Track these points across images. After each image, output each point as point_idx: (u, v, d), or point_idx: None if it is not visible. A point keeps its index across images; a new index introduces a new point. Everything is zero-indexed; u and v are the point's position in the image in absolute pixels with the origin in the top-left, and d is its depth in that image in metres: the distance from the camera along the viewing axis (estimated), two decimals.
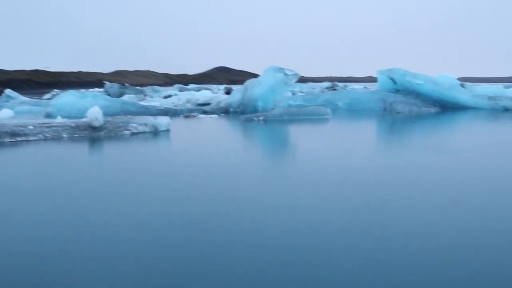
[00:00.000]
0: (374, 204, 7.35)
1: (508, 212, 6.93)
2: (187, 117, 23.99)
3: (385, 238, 5.84)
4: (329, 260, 5.20)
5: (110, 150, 13.67)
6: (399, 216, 6.75)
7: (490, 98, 29.17)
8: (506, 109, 28.21)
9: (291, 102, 29.40)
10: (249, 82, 27.11)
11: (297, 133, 18.15)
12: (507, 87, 40.51)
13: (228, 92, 45.57)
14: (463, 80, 32.29)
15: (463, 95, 29.30)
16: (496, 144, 14.39)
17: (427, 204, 7.34)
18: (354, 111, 28.00)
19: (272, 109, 25.01)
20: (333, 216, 6.75)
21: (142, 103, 28.74)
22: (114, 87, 44.17)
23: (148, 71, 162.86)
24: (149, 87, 54.93)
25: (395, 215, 6.80)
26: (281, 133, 18.21)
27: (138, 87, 51.32)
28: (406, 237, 5.89)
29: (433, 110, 27.85)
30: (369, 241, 5.74)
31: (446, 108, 28.87)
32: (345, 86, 57.03)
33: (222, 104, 27.23)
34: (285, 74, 25.81)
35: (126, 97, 35.30)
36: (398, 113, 26.64)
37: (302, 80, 69.98)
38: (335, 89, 45.82)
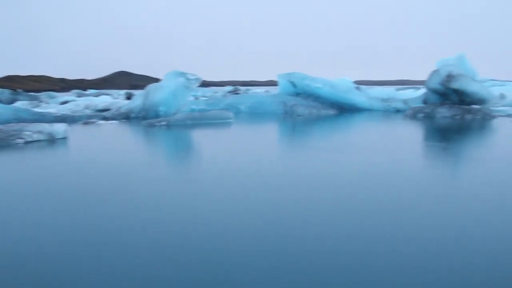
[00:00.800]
0: (277, 203, 7.52)
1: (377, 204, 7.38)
2: (86, 123, 23.15)
3: (297, 240, 6.00)
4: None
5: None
6: (304, 217, 6.96)
7: (383, 100, 30.91)
8: (397, 110, 29.98)
9: (193, 107, 29.33)
10: (151, 86, 26.69)
11: (200, 137, 18.14)
12: (399, 90, 43.14)
13: (129, 97, 44.60)
14: (359, 83, 33.92)
15: (359, 98, 30.78)
16: (385, 143, 15.26)
17: (325, 201, 7.63)
18: (256, 114, 28.49)
19: (175, 114, 24.79)
20: (230, 217, 6.82)
21: (37, 109, 27.35)
22: (5, 93, 41.72)
23: (43, 76, 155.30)
24: (44, 93, 52.39)
25: (298, 215, 7.00)
26: (184, 138, 18.11)
27: (32, 93, 48.79)
28: (302, 237, 6.08)
29: (331, 112, 29.00)
30: (283, 244, 5.86)
31: (344, 110, 30.17)
32: (247, 90, 57.83)
33: (123, 110, 26.57)
34: (187, 78, 25.71)
35: (19, 104, 33.42)
36: (299, 115, 27.46)
37: (205, 84, 69.94)
38: (237, 93, 46.37)
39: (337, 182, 9.21)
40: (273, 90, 49.90)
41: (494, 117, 24.44)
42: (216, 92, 53.83)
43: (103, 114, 26.11)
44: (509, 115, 25.50)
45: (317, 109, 28.81)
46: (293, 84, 31.44)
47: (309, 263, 5.21)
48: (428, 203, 7.61)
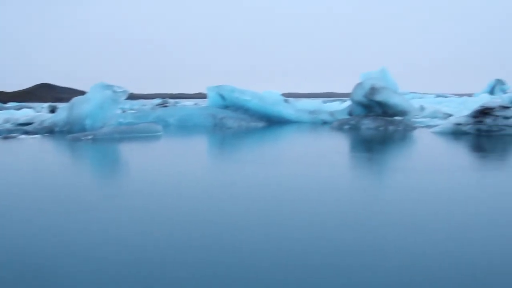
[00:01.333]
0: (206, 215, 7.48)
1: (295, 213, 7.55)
2: (5, 138, 22.07)
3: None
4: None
5: None
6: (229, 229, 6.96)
7: (310, 112, 31.62)
8: (324, 122, 30.75)
9: (121, 120, 28.72)
10: (76, 99, 25.88)
11: (128, 151, 17.77)
12: (325, 102, 44.30)
13: (52, 110, 43.01)
14: (286, 95, 34.55)
15: (287, 110, 31.32)
16: (311, 154, 15.61)
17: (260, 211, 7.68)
18: (186, 127, 28.30)
19: (101, 127, 24.16)
20: (149, 229, 6.73)
21: None
22: None
23: None
24: None
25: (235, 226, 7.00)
26: (111, 152, 17.68)
27: None
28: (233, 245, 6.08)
29: (260, 124, 29.31)
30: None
31: (272, 122, 30.58)
32: (176, 102, 57.40)
33: (46, 124, 25.58)
34: (114, 91, 25.16)
35: None
36: (228, 128, 27.54)
37: (132, 97, 68.72)
38: (166, 106, 45.87)
39: (261, 195, 9.29)
40: (202, 102, 49.84)
41: (415, 128, 25.59)
42: (144, 105, 53.03)
43: (24, 128, 25.02)
44: (428, 126, 26.77)
45: (246, 122, 29.02)
46: (222, 97, 31.54)
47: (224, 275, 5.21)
48: (351, 212, 7.83)
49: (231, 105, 31.29)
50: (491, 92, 47.95)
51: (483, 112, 22.00)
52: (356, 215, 7.61)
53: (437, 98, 49.97)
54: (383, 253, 5.83)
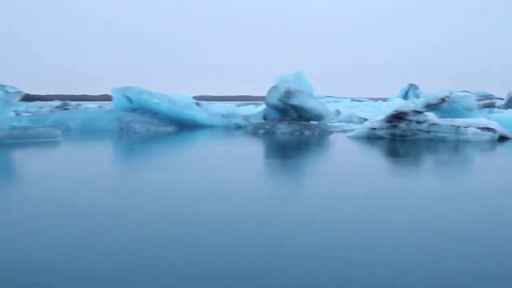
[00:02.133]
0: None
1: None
2: None
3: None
4: None
5: None
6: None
7: (223, 116, 31.68)
8: (238, 127, 30.92)
9: (15, 124, 27.27)
10: None
11: (20, 159, 16.86)
12: (239, 106, 44.60)
13: None
14: (198, 98, 34.42)
15: (199, 114, 31.18)
16: (222, 160, 15.60)
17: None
18: (89, 131, 27.35)
19: None
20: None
21: None
22: None
23: None
24: None
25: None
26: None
27: None
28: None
29: (170, 129, 28.94)
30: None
31: (184, 126, 30.30)
32: (78, 105, 55.50)
33: None
34: (6, 91, 23.89)
35: None
36: (136, 132, 26.94)
37: (28, 98, 65.63)
38: (66, 109, 44.26)
39: (168, 205, 9.13)
40: (107, 105, 48.53)
41: (330, 132, 26.34)
42: (41, 108, 50.75)
43: None
44: (344, 131, 27.66)
45: (155, 126, 28.55)
46: (129, 99, 30.85)
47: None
48: (268, 220, 7.86)
49: (138, 108, 30.67)
50: (405, 96, 50.45)
51: (397, 117, 23.06)
52: (272, 222, 7.64)
53: (353, 102, 51.96)
54: (295, 261, 5.88)
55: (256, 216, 8.18)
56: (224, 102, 43.63)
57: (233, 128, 30.56)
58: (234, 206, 8.91)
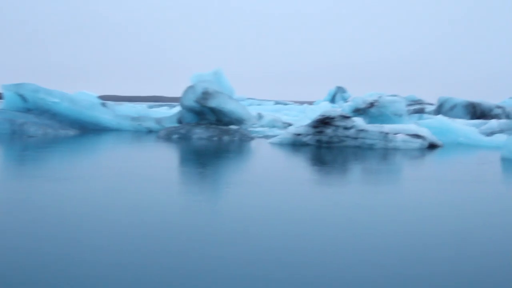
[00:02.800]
0: None
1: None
2: None
3: None
4: None
5: None
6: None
7: (133, 119, 30.60)
8: (150, 131, 29.97)
9: None
10: None
11: None
12: (151, 107, 43.57)
13: None
14: (104, 98, 33.15)
15: (105, 116, 29.96)
16: (132, 169, 14.80)
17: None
18: None
19: None
20: None
21: None
22: None
23: None
24: None
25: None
26: None
27: None
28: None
29: (71, 132, 27.54)
30: None
31: (87, 129, 29.02)
32: None
33: None
34: None
35: None
36: (31, 136, 25.38)
37: None
38: None
39: (65, 215, 8.31)
40: None
41: (252, 138, 25.99)
42: None
43: None
44: (266, 136, 27.38)
45: (54, 129, 27.06)
46: (23, 98, 29.14)
47: None
48: (181, 230, 7.27)
49: (34, 109, 29.05)
50: (332, 100, 51.31)
51: (324, 122, 23.03)
52: (179, 235, 7.06)
53: (277, 105, 52.17)
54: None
55: (163, 228, 7.75)
56: (134, 103, 42.48)
57: (144, 132, 29.60)
58: (139, 221, 8.22)
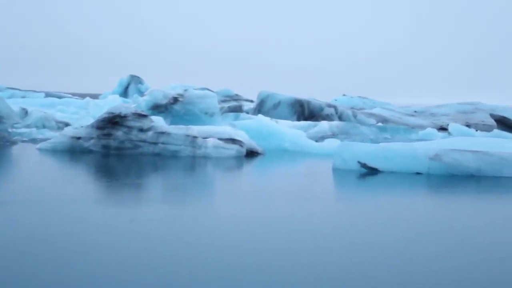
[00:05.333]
0: None
1: None
2: None
3: None
4: None
5: None
6: None
7: None
8: None
9: None
10: None
11: None
12: None
13: None
14: None
15: None
16: None
17: None
18: None
19: None
20: None
21: None
22: None
23: None
24: None
25: None
26: None
27: None
28: None
29: None
30: None
31: None
32: None
33: None
34: None
35: None
36: None
37: None
38: None
39: None
40: None
41: (14, 142, 25.01)
42: None
43: None
44: (34, 140, 26.47)
45: None
46: None
47: None
48: None
49: None
50: (124, 93, 51.01)
51: (112, 122, 22.80)
52: None
53: (48, 98, 50.61)
54: None
55: None
56: None
57: None
58: None
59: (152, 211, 12.87)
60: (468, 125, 43.92)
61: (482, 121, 49.85)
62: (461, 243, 11.03)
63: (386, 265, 9.12)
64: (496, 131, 37.83)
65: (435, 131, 36.95)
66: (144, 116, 23.43)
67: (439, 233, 11.77)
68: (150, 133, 22.69)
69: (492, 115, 43.84)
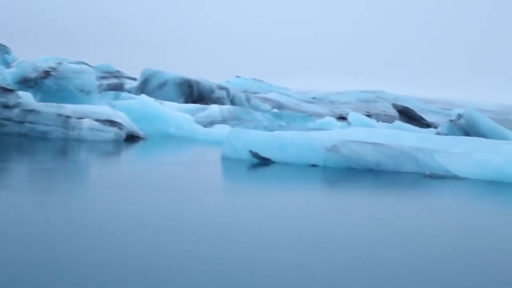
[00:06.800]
0: None
1: None
2: None
3: None
4: None
5: None
6: None
7: None
8: None
9: None
10: None
11: None
12: None
13: None
14: None
15: None
16: None
17: None
18: None
19: None
20: None
21: None
22: None
23: None
24: None
25: None
26: None
27: None
28: None
29: None
30: None
31: None
32: None
33: None
34: None
35: None
36: None
37: None
38: None
39: None
40: None
41: None
42: None
43: None
44: None
45: None
46: None
47: None
48: None
49: None
50: None
51: None
52: None
53: None
54: None
55: None
56: None
57: None
58: None
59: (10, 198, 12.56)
60: (369, 115, 44.94)
61: (384, 111, 51.06)
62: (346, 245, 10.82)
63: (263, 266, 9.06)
64: (398, 122, 39.08)
65: (334, 120, 37.66)
66: (10, 90, 22.72)
67: (316, 233, 11.60)
68: (16, 111, 22.03)
69: (394, 105, 45.11)
